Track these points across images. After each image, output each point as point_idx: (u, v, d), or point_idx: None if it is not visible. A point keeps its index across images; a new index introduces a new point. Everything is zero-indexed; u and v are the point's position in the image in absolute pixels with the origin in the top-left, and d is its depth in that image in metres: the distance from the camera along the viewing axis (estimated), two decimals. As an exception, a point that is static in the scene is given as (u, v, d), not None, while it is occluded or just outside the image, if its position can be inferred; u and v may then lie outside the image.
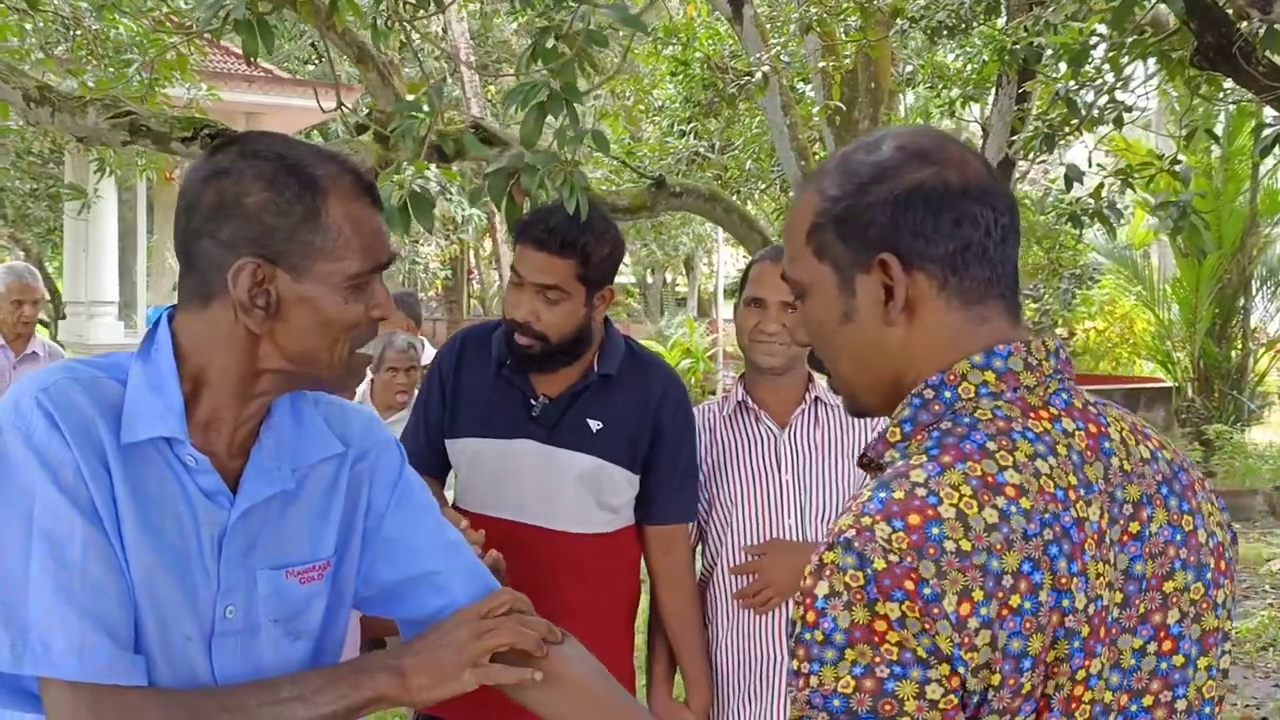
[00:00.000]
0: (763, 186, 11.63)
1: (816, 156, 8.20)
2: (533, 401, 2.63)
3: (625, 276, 32.43)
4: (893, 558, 1.05)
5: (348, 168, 1.51)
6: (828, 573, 1.08)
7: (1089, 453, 1.16)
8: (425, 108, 2.91)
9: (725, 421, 2.86)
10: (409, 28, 4.06)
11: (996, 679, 1.05)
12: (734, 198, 9.66)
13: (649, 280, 31.46)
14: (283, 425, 1.56)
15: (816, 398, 2.84)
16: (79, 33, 7.11)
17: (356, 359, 1.56)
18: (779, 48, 7.20)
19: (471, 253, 26.27)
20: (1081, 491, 1.13)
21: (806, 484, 2.76)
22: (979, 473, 1.10)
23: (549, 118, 2.75)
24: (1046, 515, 1.09)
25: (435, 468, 2.72)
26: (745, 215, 7.37)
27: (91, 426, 1.41)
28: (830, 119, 7.75)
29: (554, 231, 2.52)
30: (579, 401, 2.64)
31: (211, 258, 1.43)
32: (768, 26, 8.35)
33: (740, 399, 2.85)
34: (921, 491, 1.09)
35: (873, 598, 1.05)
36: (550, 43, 2.71)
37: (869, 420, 2.80)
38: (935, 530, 1.06)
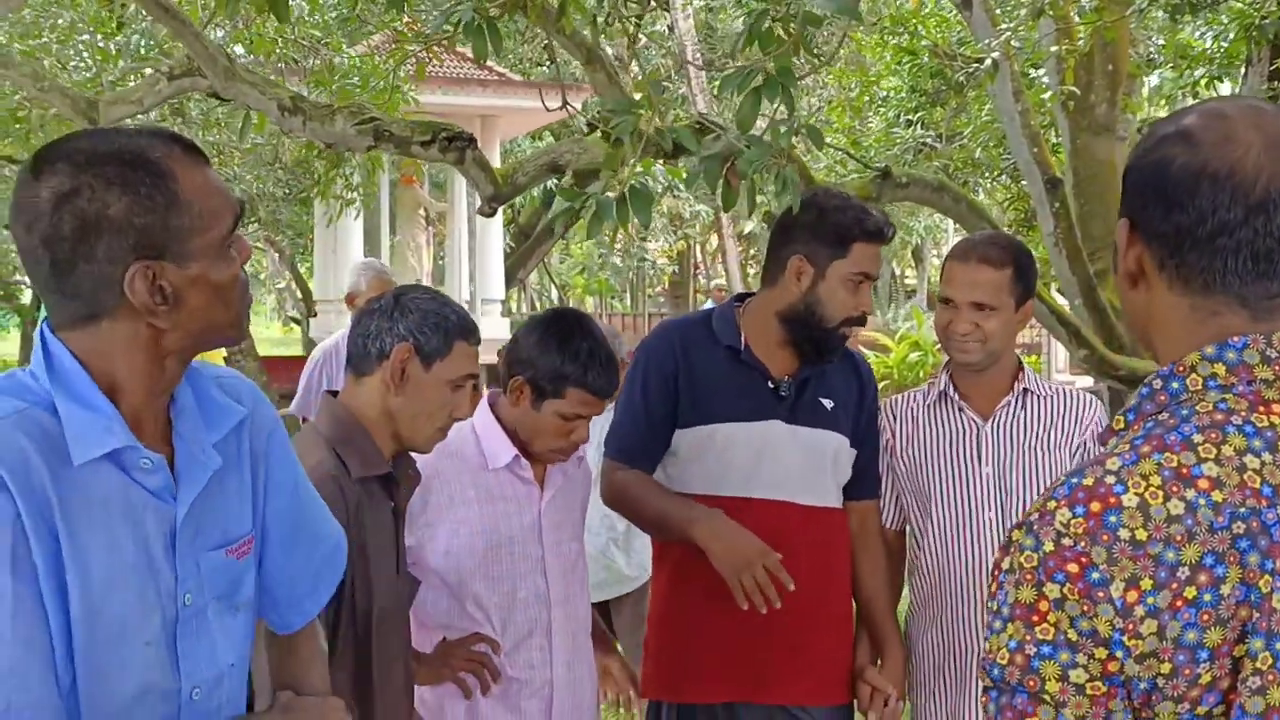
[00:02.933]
0: (992, 175, 11.33)
1: (1049, 144, 7.93)
2: (770, 384, 2.72)
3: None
4: (1065, 541, 1.09)
5: (170, 138, 1.50)
6: (1011, 550, 1.14)
7: None
8: (643, 104, 2.98)
9: (928, 411, 2.86)
10: (633, 25, 4.15)
11: (1167, 667, 1.06)
12: (963, 188, 9.44)
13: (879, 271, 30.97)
14: (189, 405, 1.57)
15: (1025, 389, 2.80)
16: (328, 45, 7.57)
17: None
18: (1009, 32, 7.00)
19: (698, 248, 26.47)
20: None
21: (1007, 477, 2.73)
22: (1175, 464, 1.10)
23: (765, 105, 2.78)
24: (1242, 509, 1.07)
25: (652, 460, 2.78)
26: (975, 205, 7.17)
27: (31, 465, 1.38)
28: (1064, 104, 7.46)
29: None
30: (812, 381, 2.74)
31: (94, 279, 1.42)
32: (998, 11, 8.11)
33: (943, 389, 2.85)
34: (1110, 480, 1.11)
35: (1039, 579, 1.10)
36: (766, 25, 2.73)
37: (1079, 412, 2.78)
38: (1113, 518, 1.08)
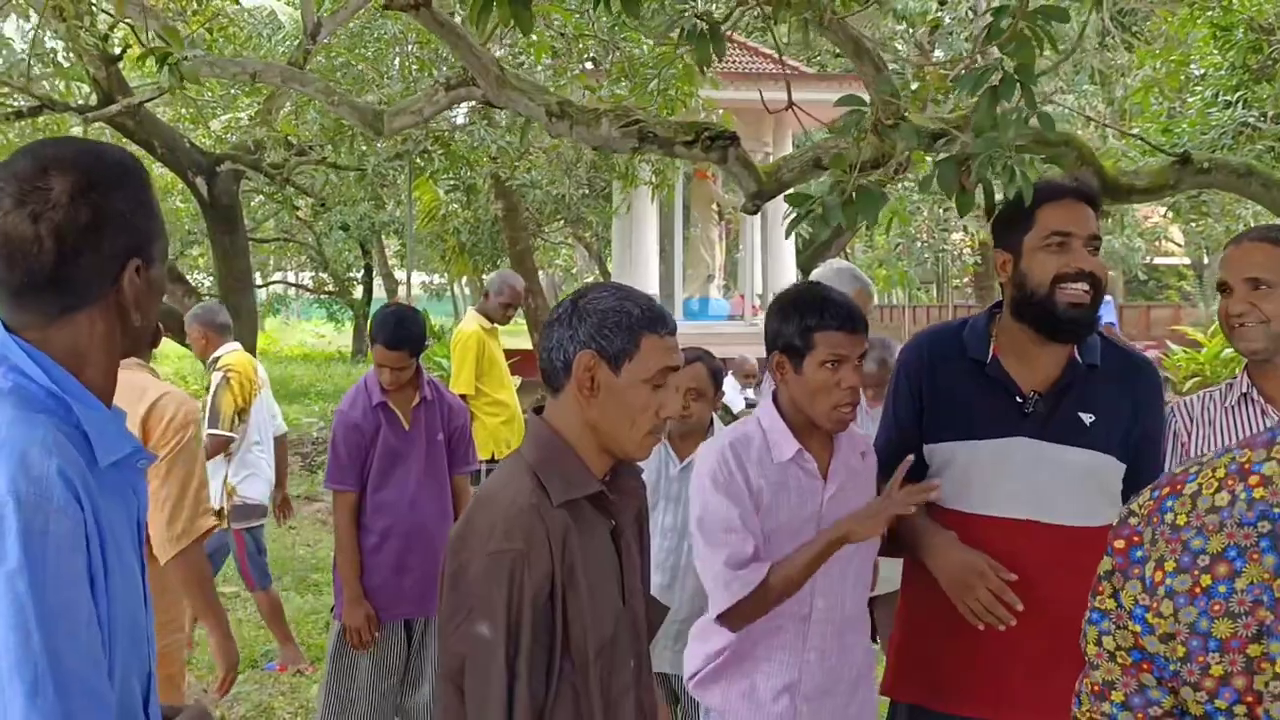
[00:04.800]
0: (1324, 157, 10.40)
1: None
2: (1019, 399, 2.61)
3: (1178, 258, 30.15)
4: (1132, 521, 1.16)
5: (127, 151, 1.60)
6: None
7: None
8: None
9: (1227, 413, 2.70)
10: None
11: (1182, 650, 1.08)
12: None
13: (1205, 260, 29.04)
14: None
15: None
16: (617, 51, 7.80)
17: None
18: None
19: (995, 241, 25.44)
20: None
21: None
22: (1244, 459, 1.11)
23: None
24: (1277, 509, 1.06)
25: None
26: (1292, 190, 6.66)
27: (86, 477, 1.46)
28: (1399, 77, 6.79)
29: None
30: (1069, 394, 2.60)
31: (91, 269, 1.50)
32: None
33: (1245, 390, 2.69)
34: (1194, 469, 1.15)
35: (1109, 552, 1.18)
36: (1005, 23, 2.64)
37: None
38: (1170, 503, 1.13)
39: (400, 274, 21.66)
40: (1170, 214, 24.02)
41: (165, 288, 1.68)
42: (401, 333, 4.12)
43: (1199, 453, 2.66)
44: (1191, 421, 2.75)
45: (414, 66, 10.74)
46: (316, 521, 9.82)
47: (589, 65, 10.66)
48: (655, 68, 5.76)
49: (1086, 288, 2.52)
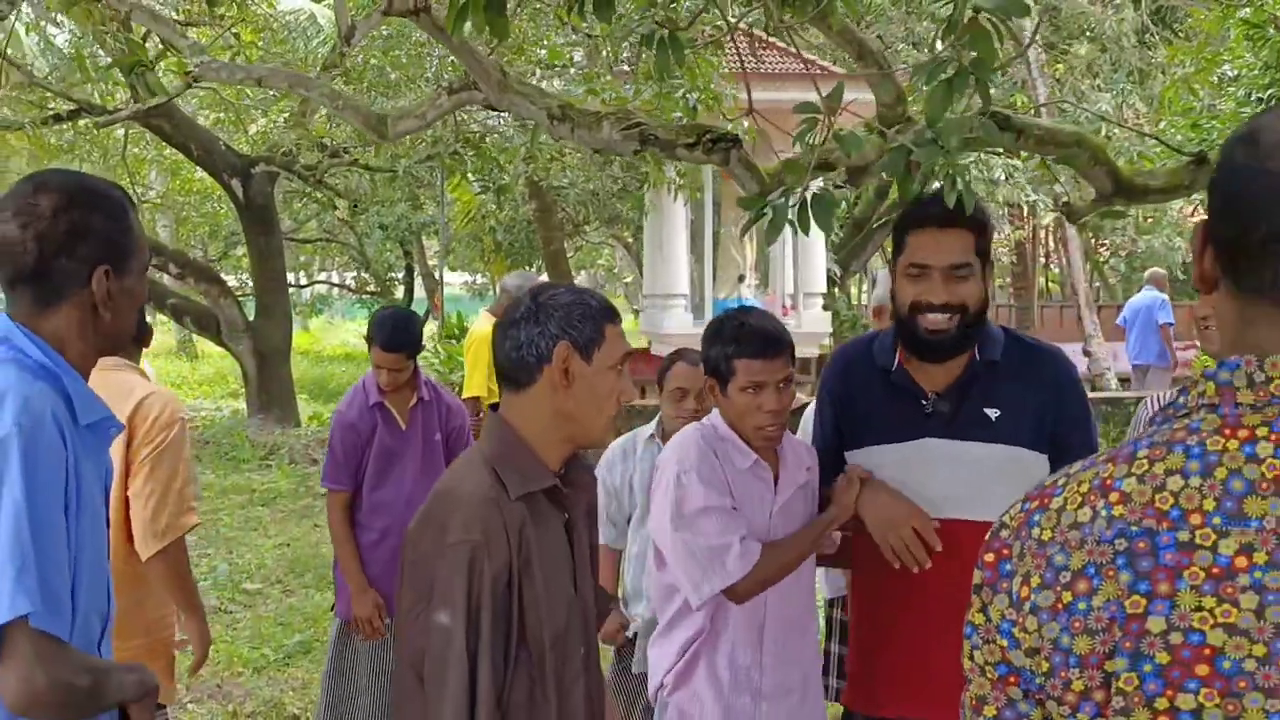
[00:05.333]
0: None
1: None
2: (923, 401, 2.66)
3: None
4: (1003, 533, 1.17)
5: (119, 188, 2.05)
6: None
7: (1267, 485, 1.05)
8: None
9: None
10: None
11: (1046, 665, 1.09)
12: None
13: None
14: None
15: None
16: (646, 56, 7.84)
17: None
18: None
19: (1050, 236, 25.36)
20: (1218, 520, 1.04)
21: None
22: (1106, 474, 1.11)
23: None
24: (1134, 528, 1.07)
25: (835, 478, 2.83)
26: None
27: (68, 425, 1.87)
28: None
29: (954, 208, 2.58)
30: (971, 391, 2.64)
31: (66, 272, 1.93)
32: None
33: None
34: (1062, 481, 1.16)
35: (978, 564, 1.19)
36: (967, 15, 2.64)
37: None
38: (1038, 517, 1.14)
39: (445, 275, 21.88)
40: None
41: (142, 297, 2.08)
42: (399, 335, 4.20)
43: None
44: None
45: (446, 72, 10.85)
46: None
47: (624, 68, 10.70)
48: (688, 73, 5.77)
49: (946, 317, 2.56)
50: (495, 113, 11.73)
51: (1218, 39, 10.70)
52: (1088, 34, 16.63)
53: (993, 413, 2.63)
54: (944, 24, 2.74)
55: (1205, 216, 1.18)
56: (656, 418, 4.13)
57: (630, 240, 23.71)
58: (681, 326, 12.45)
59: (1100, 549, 1.07)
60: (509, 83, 4.38)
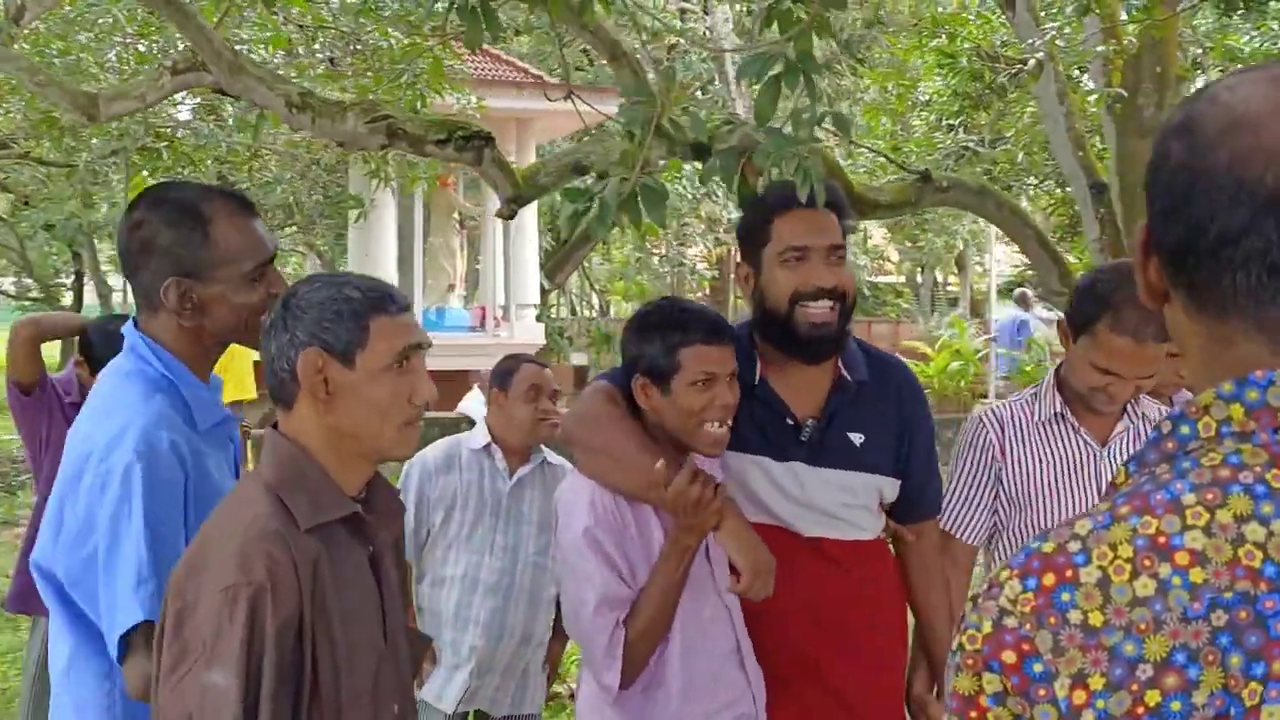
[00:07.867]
0: (1037, 181, 11.06)
1: (1094, 148, 7.69)
2: (790, 422, 2.47)
3: (894, 275, 31.69)
4: (1009, 622, 0.89)
5: (224, 194, 2.13)
6: (961, 627, 0.94)
7: None
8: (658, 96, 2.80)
9: (1039, 430, 2.71)
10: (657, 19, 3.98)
11: None
12: (1006, 193, 9.19)
13: (919, 279, 30.66)
14: None
15: (1143, 414, 2.69)
16: (358, 46, 7.44)
17: None
18: (1054, 32, 6.78)
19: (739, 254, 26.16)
20: None
21: None
22: (1153, 530, 0.88)
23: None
24: (1229, 595, 0.85)
25: None
26: (1017, 210, 6.96)
27: (190, 439, 2.01)
28: (1110, 107, 7.21)
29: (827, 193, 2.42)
30: (838, 418, 2.48)
31: (147, 284, 2.07)
32: (1042, 13, 7.88)
33: (1058, 410, 2.70)
34: (1075, 546, 0.90)
35: (979, 667, 0.90)
36: (785, 6, 2.52)
37: None
38: (1065, 596, 0.88)
39: (115, 280, 20.32)
40: (889, 234, 25.21)
41: (232, 301, 2.08)
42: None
43: (1016, 468, 2.70)
44: (1003, 432, 2.73)
45: (132, 59, 10.00)
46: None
47: (328, 63, 10.20)
48: (403, 61, 5.46)
49: (830, 304, 2.37)
50: (192, 105, 10.96)
51: (910, 66, 11.29)
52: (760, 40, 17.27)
53: (857, 438, 2.48)
54: (761, 18, 2.64)
55: (1145, 222, 1.01)
56: (478, 425, 3.81)
57: (325, 249, 22.84)
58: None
59: (1190, 628, 0.84)
60: (242, 64, 3.96)
